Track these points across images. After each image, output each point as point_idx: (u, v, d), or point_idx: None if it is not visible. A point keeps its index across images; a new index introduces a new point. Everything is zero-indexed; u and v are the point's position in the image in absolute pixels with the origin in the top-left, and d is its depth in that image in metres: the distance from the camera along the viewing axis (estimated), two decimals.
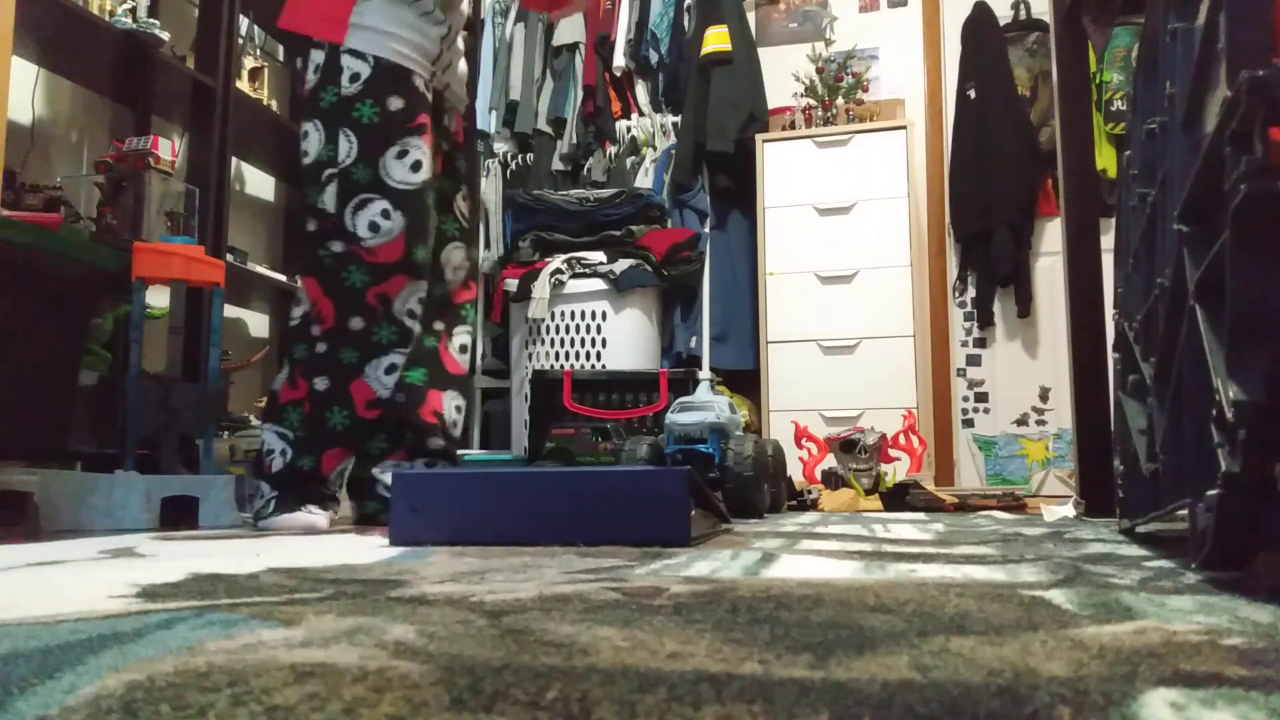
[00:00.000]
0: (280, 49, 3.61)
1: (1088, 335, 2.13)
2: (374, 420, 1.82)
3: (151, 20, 2.59)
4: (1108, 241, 1.95)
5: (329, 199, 1.73)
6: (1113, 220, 1.89)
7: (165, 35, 2.59)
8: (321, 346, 1.77)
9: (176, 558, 1.09)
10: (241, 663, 0.42)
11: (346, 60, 1.75)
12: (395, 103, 1.75)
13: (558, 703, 0.37)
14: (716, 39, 4.06)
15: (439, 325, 1.98)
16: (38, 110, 2.56)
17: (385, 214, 1.73)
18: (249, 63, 3.04)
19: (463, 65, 2.01)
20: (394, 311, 1.77)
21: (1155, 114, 1.06)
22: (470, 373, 2.07)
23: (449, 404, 1.95)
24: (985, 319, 4.12)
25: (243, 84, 2.94)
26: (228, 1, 2.79)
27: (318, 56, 1.77)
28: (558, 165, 4.25)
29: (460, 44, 1.99)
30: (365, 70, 1.74)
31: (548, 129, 4.29)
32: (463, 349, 2.02)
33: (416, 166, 1.76)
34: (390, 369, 1.79)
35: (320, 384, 1.77)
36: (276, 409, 1.81)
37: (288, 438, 1.79)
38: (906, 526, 1.66)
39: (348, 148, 1.74)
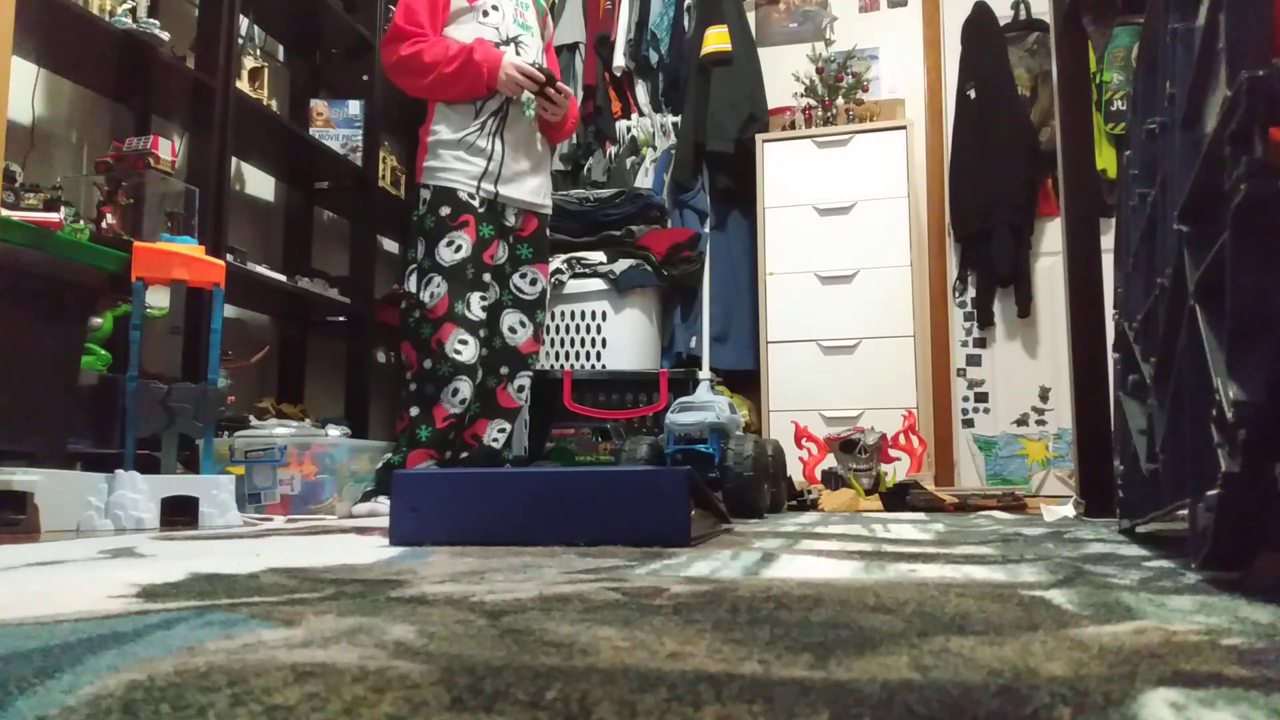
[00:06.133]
0: (280, 49, 3.61)
1: (1088, 335, 2.13)
2: (447, 429, 2.49)
3: (151, 20, 2.58)
4: (1108, 241, 1.95)
5: (412, 284, 2.56)
6: (1113, 220, 1.89)
7: (165, 35, 2.58)
8: (413, 386, 2.52)
9: (176, 558, 1.09)
10: (241, 663, 0.42)
11: (421, 191, 2.60)
12: (444, 210, 2.55)
13: (558, 703, 0.37)
14: (716, 39, 4.05)
15: (504, 370, 2.68)
16: (38, 110, 2.55)
17: (438, 284, 2.50)
18: (249, 63, 3.03)
19: (537, 180, 2.71)
20: (445, 351, 2.48)
21: (1155, 114, 1.06)
22: (523, 405, 2.78)
23: (491, 429, 2.68)
24: (985, 319, 4.11)
25: (243, 84, 2.93)
26: (228, 1, 2.79)
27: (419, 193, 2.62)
28: (558, 165, 4.25)
29: (543, 163, 2.74)
30: (428, 195, 2.58)
31: None
32: (520, 389, 2.71)
33: (458, 249, 2.53)
34: (455, 392, 2.48)
35: (414, 411, 2.50)
36: (395, 438, 2.58)
37: (394, 452, 2.52)
38: (906, 526, 1.66)
39: (421, 249, 2.56)
